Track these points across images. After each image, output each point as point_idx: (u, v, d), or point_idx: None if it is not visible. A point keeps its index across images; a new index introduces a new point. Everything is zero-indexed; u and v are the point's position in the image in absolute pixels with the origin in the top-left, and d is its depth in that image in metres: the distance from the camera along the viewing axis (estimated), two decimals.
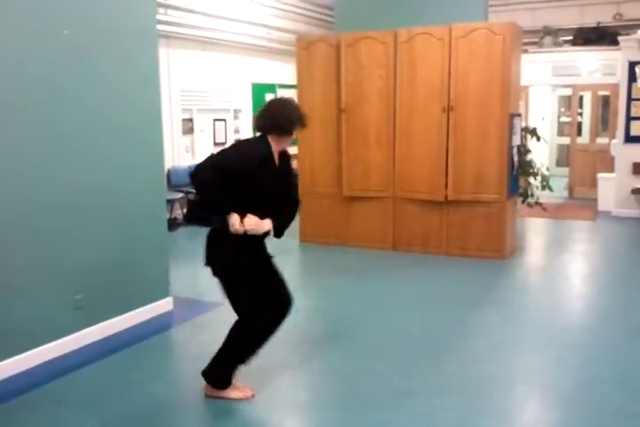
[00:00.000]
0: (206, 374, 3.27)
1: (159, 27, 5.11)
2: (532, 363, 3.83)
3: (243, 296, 3.17)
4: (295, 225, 7.24)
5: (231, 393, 3.26)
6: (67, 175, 3.86)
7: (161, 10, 7.69)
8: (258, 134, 3.27)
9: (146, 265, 4.52)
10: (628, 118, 8.57)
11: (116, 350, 3.99)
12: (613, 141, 9.38)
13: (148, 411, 3.18)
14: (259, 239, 3.26)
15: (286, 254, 6.78)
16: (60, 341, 3.88)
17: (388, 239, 6.71)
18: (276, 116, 3.18)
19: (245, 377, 3.55)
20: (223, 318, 4.61)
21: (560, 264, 6.36)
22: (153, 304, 4.59)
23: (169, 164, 8.34)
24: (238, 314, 3.21)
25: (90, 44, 3.95)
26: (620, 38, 8.78)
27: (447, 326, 4.39)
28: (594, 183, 9.72)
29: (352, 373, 3.62)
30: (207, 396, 3.28)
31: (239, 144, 3.47)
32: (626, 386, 3.41)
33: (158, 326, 4.44)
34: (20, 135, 3.57)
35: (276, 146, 3.22)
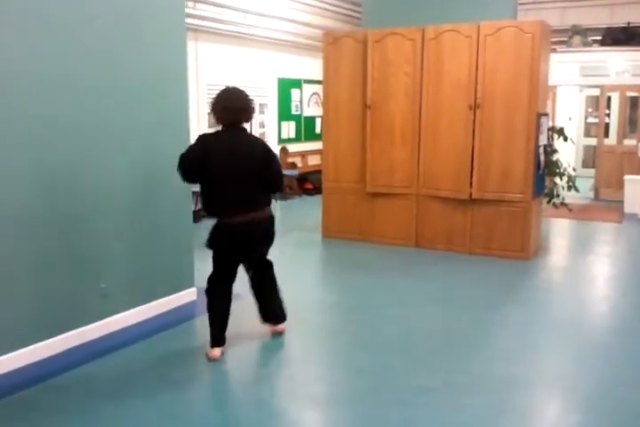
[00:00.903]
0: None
1: (187, 20, 5.15)
2: (554, 364, 3.81)
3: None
4: (318, 220, 7.27)
5: None
6: (97, 168, 3.92)
7: (190, 3, 7.75)
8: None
9: (171, 256, 4.57)
10: None
11: (142, 338, 4.04)
12: None
13: (173, 398, 3.22)
14: None
15: (309, 249, 6.81)
16: (86, 327, 3.95)
17: (411, 236, 6.70)
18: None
19: (266, 371, 3.59)
20: (245, 308, 4.66)
21: (584, 266, 6.30)
22: (177, 294, 4.64)
23: None
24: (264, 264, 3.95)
25: (120, 37, 4.00)
26: None
27: (470, 325, 4.38)
28: (620, 185, 9.60)
29: (375, 369, 3.63)
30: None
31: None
32: None
33: (182, 316, 4.49)
34: (49, 127, 3.62)
35: None
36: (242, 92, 3.68)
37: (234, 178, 3.54)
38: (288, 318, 4.15)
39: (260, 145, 3.72)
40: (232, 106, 3.58)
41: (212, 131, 9.49)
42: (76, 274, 3.86)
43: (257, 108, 9.82)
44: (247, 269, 3.95)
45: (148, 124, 4.27)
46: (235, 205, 3.57)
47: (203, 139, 3.63)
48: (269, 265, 4.05)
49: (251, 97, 3.70)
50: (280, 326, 4.09)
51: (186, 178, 3.67)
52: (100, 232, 3.98)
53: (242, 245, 3.69)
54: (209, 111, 3.81)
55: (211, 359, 3.66)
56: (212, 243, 3.68)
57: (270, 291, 4.03)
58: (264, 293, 4.01)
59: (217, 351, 3.70)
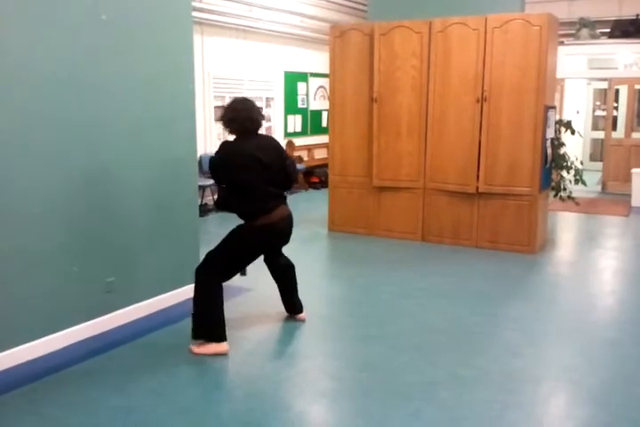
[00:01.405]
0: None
1: (194, 14, 5.14)
2: (560, 358, 3.80)
3: None
4: (324, 213, 7.27)
5: None
6: (102, 160, 3.92)
7: None
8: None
9: (177, 250, 4.59)
10: None
11: (147, 332, 4.06)
12: None
13: (177, 392, 3.24)
14: None
15: (315, 243, 6.81)
16: (92, 321, 3.96)
17: (417, 230, 6.70)
18: None
19: (273, 365, 3.60)
20: (251, 302, 4.69)
21: (591, 259, 6.29)
22: (183, 288, 4.65)
23: (201, 150, 8.41)
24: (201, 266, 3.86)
25: (126, 31, 4.00)
26: None
27: (476, 319, 4.38)
28: (628, 178, 9.56)
29: (380, 363, 3.64)
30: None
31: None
32: None
33: (188, 310, 4.47)
34: (56, 121, 3.63)
35: None
36: (248, 101, 3.82)
37: (263, 176, 3.68)
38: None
39: (274, 140, 3.96)
40: (238, 116, 3.72)
41: (218, 124, 9.48)
42: (83, 268, 3.87)
43: (263, 102, 9.87)
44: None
45: (155, 119, 4.27)
46: (271, 202, 3.74)
47: (225, 145, 3.83)
48: (293, 266, 4.31)
49: (256, 106, 3.86)
50: (302, 315, 4.31)
51: (217, 182, 3.97)
52: (107, 227, 3.99)
53: (278, 240, 3.94)
54: (218, 119, 3.99)
55: (222, 353, 3.68)
56: (240, 244, 3.78)
57: (294, 288, 4.29)
58: (289, 289, 4.29)
59: (226, 345, 3.72)
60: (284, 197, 3.89)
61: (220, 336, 3.71)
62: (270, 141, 3.92)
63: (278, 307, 4.38)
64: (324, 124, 11.14)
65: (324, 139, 9.43)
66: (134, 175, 4.15)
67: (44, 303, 3.66)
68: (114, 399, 3.15)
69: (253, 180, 3.65)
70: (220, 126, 9.02)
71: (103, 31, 3.83)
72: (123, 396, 3.19)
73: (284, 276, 4.26)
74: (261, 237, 3.78)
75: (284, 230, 3.88)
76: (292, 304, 4.30)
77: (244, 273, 3.98)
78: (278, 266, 4.25)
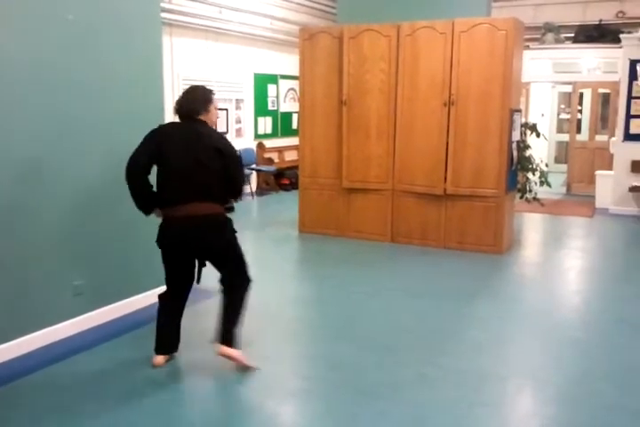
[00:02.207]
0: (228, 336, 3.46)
1: (162, 15, 5.12)
2: (526, 357, 3.87)
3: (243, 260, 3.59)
4: (295, 215, 7.29)
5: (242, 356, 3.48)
6: (68, 162, 3.89)
7: None
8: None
9: (146, 252, 4.54)
10: (628, 116, 8.60)
11: (116, 335, 4.03)
12: (612, 139, 9.43)
13: (147, 395, 3.22)
14: None
15: (285, 244, 6.83)
16: (59, 325, 3.92)
17: (386, 231, 6.76)
18: None
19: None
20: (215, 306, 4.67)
21: (556, 259, 6.41)
22: (153, 290, 4.61)
23: None
24: (240, 277, 3.55)
25: (93, 31, 3.97)
26: (621, 36, 8.80)
27: (443, 319, 4.44)
28: (592, 180, 9.77)
29: (349, 363, 3.66)
30: (221, 355, 3.45)
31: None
32: (620, 381, 3.45)
33: (155, 314, 4.46)
34: (25, 123, 3.59)
35: None
36: (197, 88, 3.61)
37: (180, 164, 3.32)
38: (263, 313, 4.15)
39: (216, 137, 3.45)
40: (180, 100, 3.57)
41: None
42: (48, 272, 3.82)
43: (233, 104, 9.86)
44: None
45: (122, 119, 4.24)
46: (176, 193, 3.31)
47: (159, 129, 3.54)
48: (234, 287, 3.54)
49: (193, 91, 3.57)
50: (224, 349, 3.45)
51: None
52: (74, 228, 3.96)
53: (179, 246, 3.39)
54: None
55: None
56: (157, 240, 3.43)
57: (226, 311, 3.52)
58: (221, 313, 3.55)
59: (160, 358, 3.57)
60: (205, 195, 3.33)
61: (158, 348, 3.57)
62: (210, 132, 3.44)
63: (247, 308, 4.37)
64: (295, 126, 11.15)
65: (294, 141, 9.45)
66: (103, 176, 4.11)
67: (5, 307, 3.60)
68: (85, 405, 3.12)
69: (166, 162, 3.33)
70: None
71: (70, 32, 3.80)
72: (93, 402, 3.15)
73: (223, 297, 3.57)
74: (160, 235, 3.40)
75: (186, 233, 3.33)
76: (219, 332, 3.50)
77: (197, 280, 3.57)
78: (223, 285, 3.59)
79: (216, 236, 3.42)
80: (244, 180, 3.62)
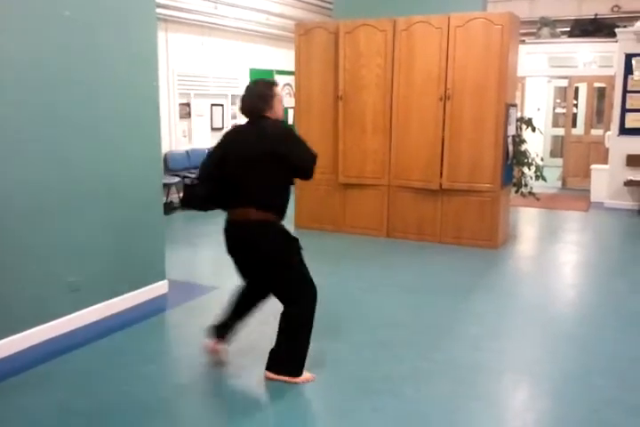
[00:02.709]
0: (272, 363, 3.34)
1: (158, 10, 5.11)
2: (522, 351, 3.89)
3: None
4: (290, 210, 7.29)
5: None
6: (64, 158, 3.88)
7: None
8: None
9: (142, 248, 4.57)
10: (623, 110, 8.61)
11: (111, 332, 4.03)
12: (608, 133, 9.45)
13: (142, 393, 3.23)
14: None
15: None
16: (54, 322, 3.92)
17: (382, 226, 6.77)
18: None
19: (238, 362, 3.62)
20: (218, 301, 4.67)
21: (552, 254, 6.44)
22: (148, 287, 4.63)
23: (166, 148, 8.36)
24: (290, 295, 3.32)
25: (88, 27, 3.95)
26: (617, 30, 8.80)
27: (439, 313, 4.46)
28: (587, 174, 9.80)
29: (344, 358, 3.68)
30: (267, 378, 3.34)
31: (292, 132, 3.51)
32: (616, 375, 3.47)
33: (153, 309, 4.49)
34: (18, 118, 3.59)
35: None
36: (256, 84, 3.37)
37: (236, 166, 3.23)
38: (258, 308, 4.14)
39: (271, 139, 3.20)
40: (242, 98, 3.37)
41: (183, 122, 9.45)
42: (44, 268, 3.83)
43: (229, 100, 9.85)
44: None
45: (117, 115, 4.24)
46: (230, 197, 3.25)
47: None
48: (285, 308, 3.32)
49: (255, 87, 3.32)
50: (268, 375, 3.35)
51: None
52: (69, 224, 3.96)
53: (232, 250, 3.32)
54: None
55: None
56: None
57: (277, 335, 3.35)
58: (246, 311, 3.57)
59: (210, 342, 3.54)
60: (254, 200, 3.19)
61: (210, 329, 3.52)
62: (264, 128, 3.24)
63: None
64: (291, 121, 11.14)
65: None
66: (97, 173, 4.11)
67: (2, 304, 3.60)
68: (81, 402, 3.12)
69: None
70: (185, 124, 9.01)
71: (66, 27, 3.79)
72: (89, 398, 3.16)
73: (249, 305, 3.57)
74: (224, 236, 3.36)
75: (234, 238, 3.28)
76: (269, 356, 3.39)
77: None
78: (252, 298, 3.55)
79: (254, 245, 3.20)
80: (309, 161, 3.32)
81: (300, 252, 3.30)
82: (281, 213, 3.27)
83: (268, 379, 3.32)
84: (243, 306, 3.55)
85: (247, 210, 3.17)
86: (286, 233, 3.26)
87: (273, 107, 3.27)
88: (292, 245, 3.27)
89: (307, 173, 3.32)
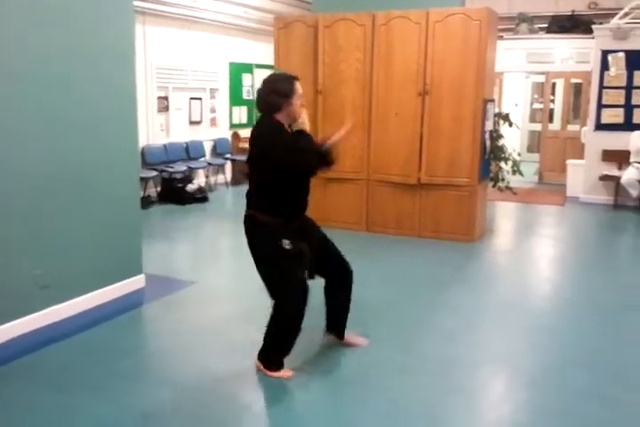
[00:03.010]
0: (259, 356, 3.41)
1: (135, 3, 5.06)
2: (498, 344, 3.93)
3: None
4: None
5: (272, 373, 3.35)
6: (38, 149, 3.83)
7: None
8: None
9: (118, 242, 4.53)
10: (599, 106, 8.71)
11: (87, 327, 4.00)
12: (584, 129, 9.55)
13: (118, 388, 3.21)
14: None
15: None
16: (29, 317, 3.87)
17: (362, 221, 6.79)
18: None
19: (218, 357, 3.61)
20: (195, 295, 4.68)
21: (528, 247, 6.51)
22: (125, 281, 4.60)
23: (143, 142, 8.30)
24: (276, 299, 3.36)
25: (63, 20, 3.90)
26: (593, 27, 8.89)
27: (418, 307, 4.49)
28: (563, 169, 9.90)
29: (320, 351, 3.69)
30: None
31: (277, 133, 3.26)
32: (591, 367, 3.52)
33: (130, 304, 4.45)
34: None
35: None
36: (272, 78, 3.34)
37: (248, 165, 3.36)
38: (234, 300, 4.14)
39: (264, 142, 3.22)
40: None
41: (161, 115, 9.36)
42: (17, 263, 3.77)
43: (208, 93, 9.79)
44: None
45: (94, 108, 4.20)
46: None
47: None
48: (274, 301, 3.34)
49: (268, 82, 3.25)
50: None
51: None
52: (44, 219, 3.91)
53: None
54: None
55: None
56: None
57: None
58: None
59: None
60: (252, 200, 3.34)
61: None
62: (257, 130, 3.29)
63: (220, 298, 4.39)
64: None
65: None
66: (71, 166, 4.05)
67: None
68: (55, 398, 3.09)
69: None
70: (162, 117, 8.95)
71: (40, 20, 3.74)
72: (64, 394, 3.13)
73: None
74: None
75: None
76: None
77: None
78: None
79: (249, 240, 3.34)
80: (302, 163, 3.27)
81: (288, 253, 3.24)
82: (280, 213, 3.27)
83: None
84: (328, 298, 3.69)
85: (249, 206, 3.32)
86: (274, 232, 3.23)
87: (290, 104, 3.20)
88: (278, 245, 3.22)
89: (308, 172, 3.39)
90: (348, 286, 3.68)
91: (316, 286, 3.55)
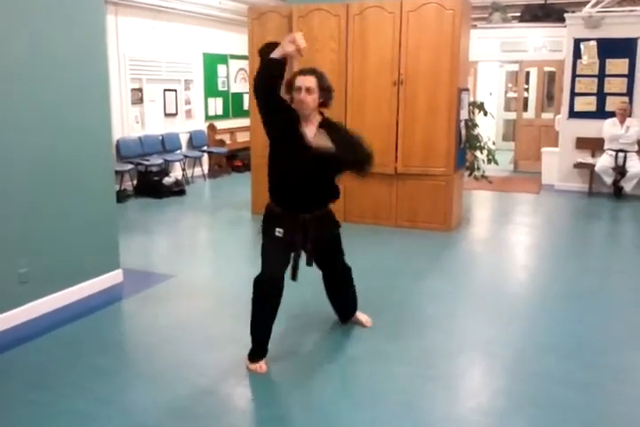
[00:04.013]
0: None
1: None
2: (476, 331, 3.97)
3: None
4: (248, 197, 7.27)
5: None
6: (10, 143, 3.77)
7: None
8: None
9: (94, 237, 4.49)
10: (573, 94, 8.80)
11: (65, 322, 3.97)
12: (558, 117, 9.65)
13: (97, 383, 3.20)
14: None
15: (239, 226, 6.81)
16: (6, 314, 3.84)
17: (339, 211, 6.69)
18: None
19: (194, 350, 3.61)
20: (174, 289, 4.66)
21: (504, 235, 6.58)
22: (102, 276, 4.57)
23: (118, 134, 8.21)
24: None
25: (31, 10, 3.83)
26: (566, 15, 8.96)
27: (395, 295, 4.52)
28: (538, 157, 10.01)
29: (302, 341, 3.71)
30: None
31: None
32: (567, 354, 3.57)
33: (108, 299, 4.42)
34: None
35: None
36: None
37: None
38: (216, 293, 4.13)
39: None
40: None
41: (135, 108, 9.27)
42: None
43: (182, 85, 9.71)
44: None
45: (66, 101, 4.14)
46: None
47: None
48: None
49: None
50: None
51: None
52: (17, 213, 3.86)
53: None
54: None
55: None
56: None
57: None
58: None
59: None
60: None
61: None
62: None
63: (199, 292, 4.38)
64: (246, 106, 11.04)
65: (245, 122, 9.35)
66: (44, 160, 4.00)
67: None
68: (36, 394, 3.07)
69: None
70: (137, 109, 8.85)
71: (6, 11, 3.67)
72: (44, 390, 3.11)
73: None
74: None
75: None
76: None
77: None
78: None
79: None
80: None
81: (271, 237, 3.44)
82: (272, 194, 3.56)
83: None
84: (328, 290, 3.87)
85: None
86: (266, 216, 3.54)
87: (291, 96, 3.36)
88: (266, 228, 3.49)
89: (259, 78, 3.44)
90: (344, 284, 3.92)
91: (310, 278, 3.56)
